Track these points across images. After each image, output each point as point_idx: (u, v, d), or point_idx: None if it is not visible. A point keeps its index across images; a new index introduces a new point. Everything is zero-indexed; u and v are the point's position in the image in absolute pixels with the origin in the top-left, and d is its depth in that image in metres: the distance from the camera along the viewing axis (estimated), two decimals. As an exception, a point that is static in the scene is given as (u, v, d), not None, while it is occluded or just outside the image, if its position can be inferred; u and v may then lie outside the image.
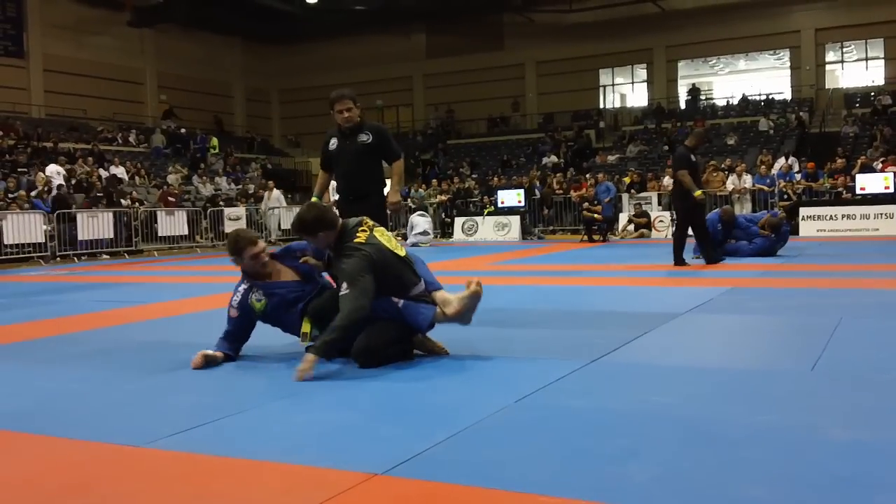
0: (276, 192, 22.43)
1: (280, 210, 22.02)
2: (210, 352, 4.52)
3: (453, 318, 4.47)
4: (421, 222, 19.28)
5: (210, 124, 34.50)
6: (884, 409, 3.24)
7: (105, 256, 17.66)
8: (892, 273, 8.86)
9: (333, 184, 6.28)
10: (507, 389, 3.70)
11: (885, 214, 16.72)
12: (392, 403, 3.62)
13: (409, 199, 23.82)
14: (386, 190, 6.04)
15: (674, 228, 10.50)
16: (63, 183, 19.45)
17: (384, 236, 4.59)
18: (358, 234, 4.46)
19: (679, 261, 10.00)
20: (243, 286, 4.76)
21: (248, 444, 3.01)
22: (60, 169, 20.34)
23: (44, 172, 20.02)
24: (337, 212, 5.01)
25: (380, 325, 4.35)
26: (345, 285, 4.27)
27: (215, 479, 2.68)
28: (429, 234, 19.43)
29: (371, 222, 4.65)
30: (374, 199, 5.89)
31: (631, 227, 19.19)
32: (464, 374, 4.12)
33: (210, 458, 2.88)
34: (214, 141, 29.72)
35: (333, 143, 5.87)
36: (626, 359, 4.42)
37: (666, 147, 26.97)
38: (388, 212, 6.03)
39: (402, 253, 4.59)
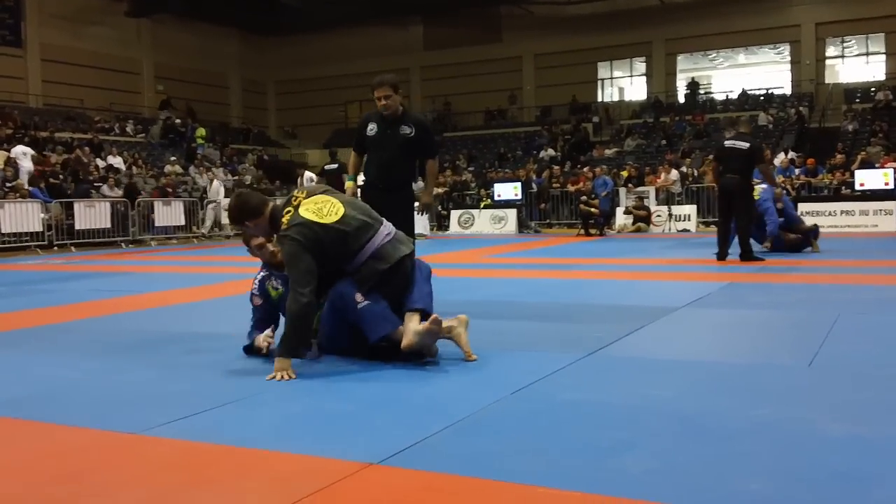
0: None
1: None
2: (265, 335, 4.38)
3: (406, 349, 4.07)
4: (418, 219, 18.98)
5: (206, 114, 34.40)
6: (881, 405, 3.24)
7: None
8: (891, 269, 8.87)
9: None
10: (502, 381, 3.70)
11: (884, 211, 16.73)
12: (388, 394, 3.61)
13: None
14: (416, 186, 5.99)
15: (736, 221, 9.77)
16: (31, 164, 19.25)
17: (312, 207, 4.21)
18: (282, 220, 4.17)
19: (749, 255, 9.65)
20: (262, 273, 4.63)
21: (244, 433, 3.00)
22: (27, 150, 20.00)
23: (8, 153, 19.49)
24: (359, 198, 4.94)
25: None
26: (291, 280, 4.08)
27: (211, 467, 2.67)
28: (424, 235, 19.17)
29: (302, 196, 4.27)
30: (406, 192, 5.86)
31: (628, 220, 19.18)
32: (459, 366, 4.11)
33: (206, 445, 2.87)
34: (201, 131, 29.32)
35: (372, 128, 5.77)
36: (622, 352, 4.42)
37: (664, 141, 26.96)
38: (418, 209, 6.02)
39: (332, 219, 4.18)
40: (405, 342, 4.04)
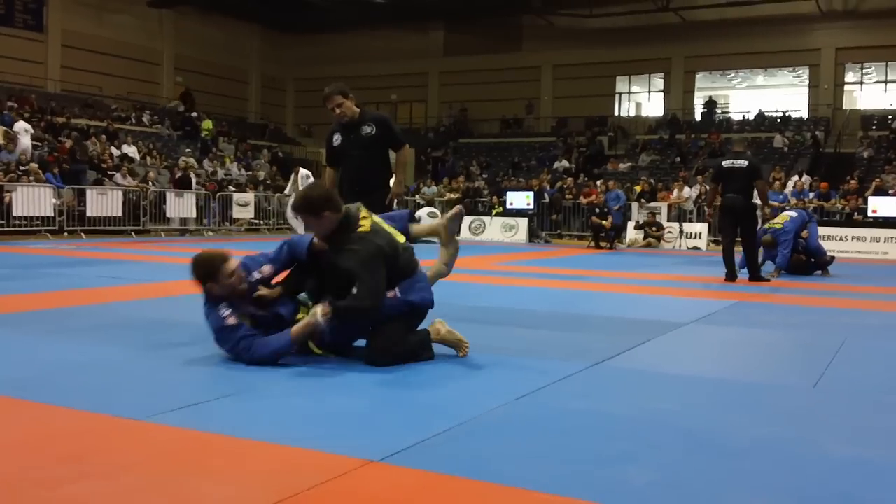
0: (304, 171, 19.15)
1: None
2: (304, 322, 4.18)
3: (447, 244, 4.67)
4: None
5: (225, 109, 34.50)
6: (885, 428, 3.23)
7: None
8: (899, 296, 8.83)
9: None
10: (507, 387, 3.69)
11: (896, 238, 16.66)
12: (392, 394, 3.61)
13: (417, 196, 23.84)
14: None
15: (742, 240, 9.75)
16: (29, 141, 19.26)
17: (383, 224, 4.41)
18: (361, 223, 4.21)
19: (757, 275, 9.66)
20: (224, 310, 4.12)
21: (247, 424, 3.01)
22: (28, 126, 19.98)
23: (10, 129, 19.31)
24: None
25: (388, 327, 4.18)
26: (357, 284, 4.05)
27: (212, 456, 2.68)
28: (433, 242, 19.12)
29: (366, 210, 4.40)
30: (382, 192, 5.90)
31: (639, 235, 19.14)
32: (464, 371, 4.11)
33: (208, 434, 2.88)
34: (208, 123, 29.02)
35: (337, 138, 5.89)
36: (627, 364, 4.40)
37: (678, 158, 26.91)
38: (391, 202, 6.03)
39: (401, 239, 4.42)
40: (444, 233, 4.70)
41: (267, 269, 4.38)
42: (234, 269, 4.17)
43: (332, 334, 4.18)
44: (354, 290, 4.05)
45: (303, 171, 19.48)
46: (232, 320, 4.09)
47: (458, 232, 4.77)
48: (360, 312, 4.12)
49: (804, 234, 10.88)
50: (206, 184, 21.95)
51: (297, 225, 18.36)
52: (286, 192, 19.08)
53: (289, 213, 18.75)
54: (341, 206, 4.25)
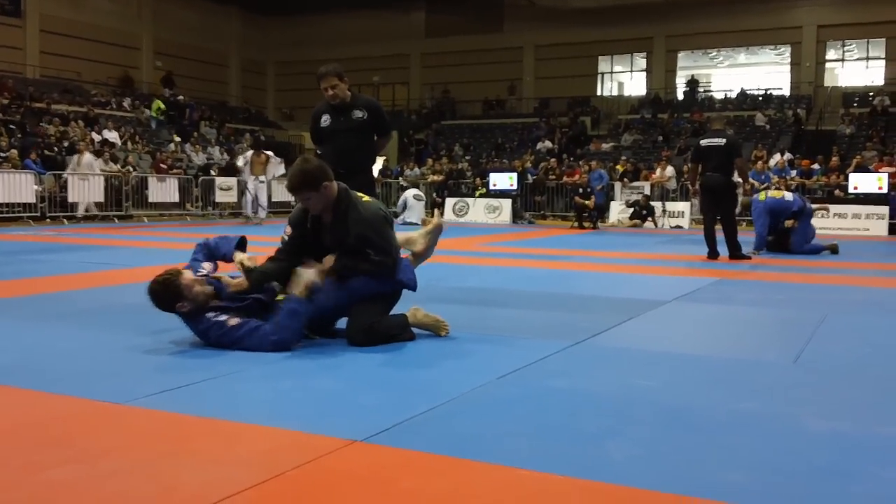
0: (89, 157, 18.21)
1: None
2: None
3: (421, 255, 4.54)
4: (415, 206, 18.71)
5: (205, 93, 34.24)
6: (864, 403, 3.27)
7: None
8: (880, 272, 8.91)
9: None
10: (489, 366, 3.72)
11: (877, 215, 16.79)
12: (374, 375, 3.63)
13: (401, 178, 23.78)
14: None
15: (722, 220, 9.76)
16: None
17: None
18: (364, 200, 4.31)
19: (738, 253, 9.66)
20: (215, 317, 4.05)
21: (230, 407, 3.01)
22: None
23: None
24: None
25: (367, 303, 4.21)
26: (375, 251, 4.14)
27: (195, 438, 2.68)
28: (417, 225, 19.07)
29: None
30: (367, 174, 5.93)
31: (624, 216, 19.18)
32: (446, 351, 4.13)
33: (191, 417, 2.88)
34: (157, 103, 28.42)
35: (326, 119, 5.87)
36: (609, 342, 4.43)
37: (661, 137, 26.95)
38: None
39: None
40: (420, 247, 4.55)
41: (207, 265, 4.35)
42: (192, 278, 4.07)
43: (318, 311, 4.20)
44: (372, 255, 4.15)
45: (275, 158, 19.13)
46: (233, 321, 4.01)
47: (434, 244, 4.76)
48: (386, 269, 4.20)
49: (788, 222, 10.77)
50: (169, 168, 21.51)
51: (258, 211, 18.15)
52: (261, 178, 18.50)
53: (248, 197, 18.46)
54: (321, 180, 4.18)
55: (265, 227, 15.98)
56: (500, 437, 2.68)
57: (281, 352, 3.93)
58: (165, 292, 4.03)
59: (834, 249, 10.85)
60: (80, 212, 17.76)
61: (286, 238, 4.33)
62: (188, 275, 4.08)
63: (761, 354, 4.26)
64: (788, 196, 10.95)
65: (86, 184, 17.70)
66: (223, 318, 4.02)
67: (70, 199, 17.43)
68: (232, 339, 3.98)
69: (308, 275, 4.06)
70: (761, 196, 11.06)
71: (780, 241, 10.84)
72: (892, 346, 4.53)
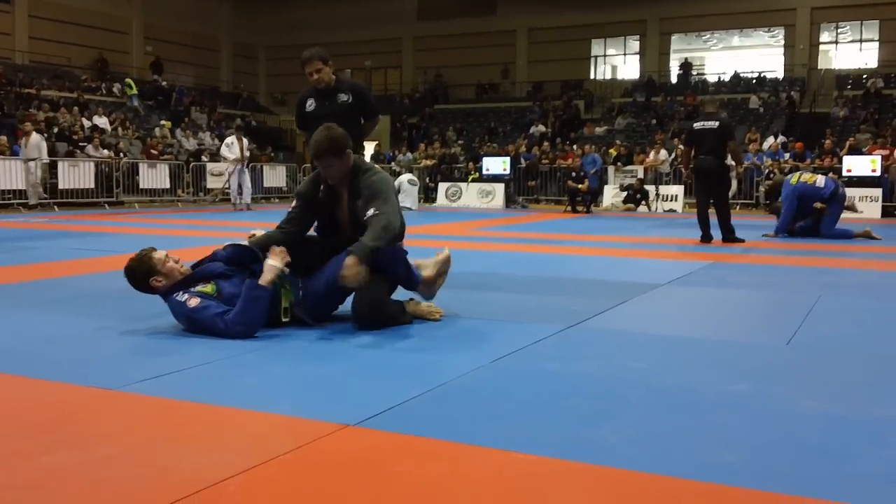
0: (36, 137, 17.30)
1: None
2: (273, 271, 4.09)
3: (427, 281, 4.44)
4: (409, 191, 18.58)
5: (196, 77, 34.06)
6: (856, 384, 3.28)
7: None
8: (872, 255, 8.92)
9: None
10: (482, 350, 3.72)
11: (870, 197, 16.81)
12: (367, 359, 3.62)
13: (393, 163, 23.73)
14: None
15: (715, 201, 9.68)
16: None
17: None
18: (370, 168, 4.47)
19: (731, 236, 9.62)
20: (181, 296, 4.04)
21: (223, 392, 3.00)
22: None
23: None
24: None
25: (375, 286, 4.18)
26: (379, 202, 4.17)
27: (188, 424, 2.67)
28: (411, 209, 18.89)
29: None
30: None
31: (618, 200, 19.17)
32: (440, 334, 4.12)
33: (184, 403, 2.87)
34: (129, 81, 28.34)
35: (311, 103, 5.86)
36: (602, 325, 4.43)
37: (654, 121, 26.92)
38: None
39: None
40: (429, 272, 4.46)
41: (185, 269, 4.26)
42: (165, 254, 4.11)
43: (315, 302, 4.23)
44: (375, 211, 4.13)
45: (246, 142, 18.48)
46: (193, 301, 3.96)
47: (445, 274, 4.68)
48: (392, 232, 4.15)
49: (818, 205, 10.45)
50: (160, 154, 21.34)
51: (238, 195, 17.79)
52: (236, 157, 17.64)
53: (233, 183, 17.98)
54: (344, 148, 4.30)
55: (252, 212, 15.92)
56: (493, 420, 2.68)
57: (245, 339, 3.88)
58: (140, 267, 4.11)
59: (868, 235, 10.46)
60: (33, 200, 16.89)
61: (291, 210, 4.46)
62: (160, 251, 4.15)
63: (754, 336, 4.27)
64: (820, 182, 10.56)
65: (76, 170, 17.61)
66: (185, 297, 4.01)
67: (60, 186, 17.34)
68: (196, 320, 3.96)
69: (273, 264, 4.04)
70: (793, 179, 10.71)
71: (810, 227, 10.52)
72: (885, 328, 4.54)
